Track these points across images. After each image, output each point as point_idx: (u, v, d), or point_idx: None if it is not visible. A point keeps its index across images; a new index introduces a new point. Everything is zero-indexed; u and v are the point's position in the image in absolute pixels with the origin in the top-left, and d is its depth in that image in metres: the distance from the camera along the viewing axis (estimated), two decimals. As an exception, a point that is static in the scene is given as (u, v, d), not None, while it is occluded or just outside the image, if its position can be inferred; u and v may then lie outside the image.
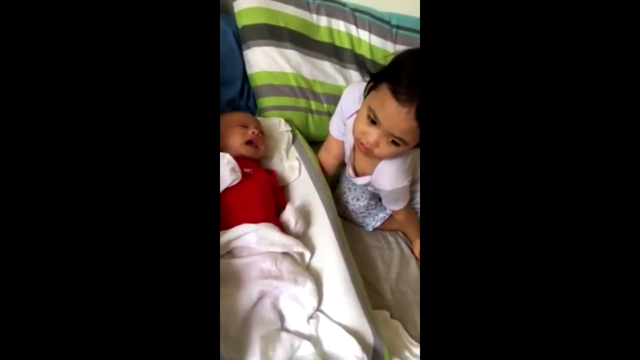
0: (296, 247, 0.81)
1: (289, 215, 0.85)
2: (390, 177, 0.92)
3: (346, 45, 1.23)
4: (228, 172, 0.82)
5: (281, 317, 0.73)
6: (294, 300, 0.73)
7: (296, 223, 0.85)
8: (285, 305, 0.73)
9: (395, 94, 0.73)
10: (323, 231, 0.87)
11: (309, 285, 0.75)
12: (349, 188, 1.05)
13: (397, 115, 0.74)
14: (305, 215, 0.89)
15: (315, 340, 0.70)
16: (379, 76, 0.80)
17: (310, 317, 0.73)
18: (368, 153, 0.84)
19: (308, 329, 0.71)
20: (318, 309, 0.75)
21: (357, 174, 0.99)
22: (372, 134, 0.79)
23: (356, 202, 1.04)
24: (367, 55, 1.26)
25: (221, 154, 0.84)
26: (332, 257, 0.83)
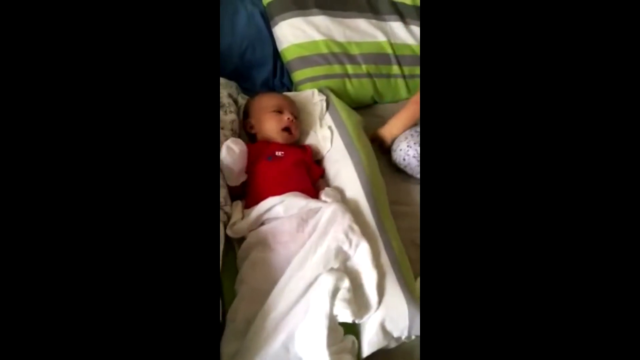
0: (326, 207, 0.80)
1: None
2: None
3: (381, -5, 1.13)
4: (226, 154, 0.80)
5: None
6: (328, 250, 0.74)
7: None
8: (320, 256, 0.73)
9: None
10: (354, 199, 0.84)
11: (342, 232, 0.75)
12: (406, 137, 0.97)
13: None
14: (337, 194, 0.87)
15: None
16: None
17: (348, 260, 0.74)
18: None
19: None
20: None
21: None
22: None
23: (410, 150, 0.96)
24: (407, 0, 1.14)
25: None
26: (364, 226, 0.80)
